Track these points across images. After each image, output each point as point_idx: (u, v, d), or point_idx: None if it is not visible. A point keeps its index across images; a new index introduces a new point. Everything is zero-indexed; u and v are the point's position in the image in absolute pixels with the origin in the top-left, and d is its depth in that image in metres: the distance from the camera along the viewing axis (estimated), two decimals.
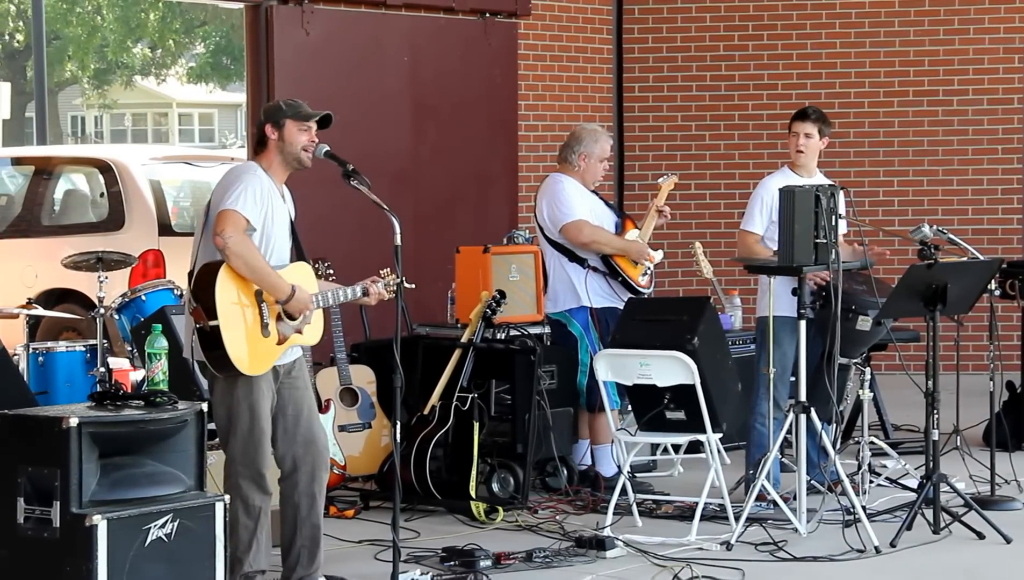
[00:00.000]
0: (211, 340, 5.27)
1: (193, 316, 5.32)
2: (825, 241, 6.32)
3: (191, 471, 5.10)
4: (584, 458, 7.42)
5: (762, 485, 6.41)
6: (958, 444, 7.44)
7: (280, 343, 5.41)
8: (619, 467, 6.73)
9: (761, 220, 6.96)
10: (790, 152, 7.07)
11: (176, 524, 4.94)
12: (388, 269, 5.69)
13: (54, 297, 9.59)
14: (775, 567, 5.99)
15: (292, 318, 5.42)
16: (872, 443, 7.09)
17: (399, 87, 9.62)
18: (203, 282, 5.29)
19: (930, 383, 6.43)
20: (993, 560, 6.13)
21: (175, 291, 7.78)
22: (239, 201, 5.28)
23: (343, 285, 5.66)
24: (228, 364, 5.30)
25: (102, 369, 7.44)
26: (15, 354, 7.42)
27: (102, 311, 7.67)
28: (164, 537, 4.91)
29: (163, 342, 6.61)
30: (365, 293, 5.63)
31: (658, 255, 7.50)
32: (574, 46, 10.75)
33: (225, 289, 5.27)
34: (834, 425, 6.70)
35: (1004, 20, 10.95)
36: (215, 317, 5.24)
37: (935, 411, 6.42)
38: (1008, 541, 6.29)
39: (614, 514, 6.55)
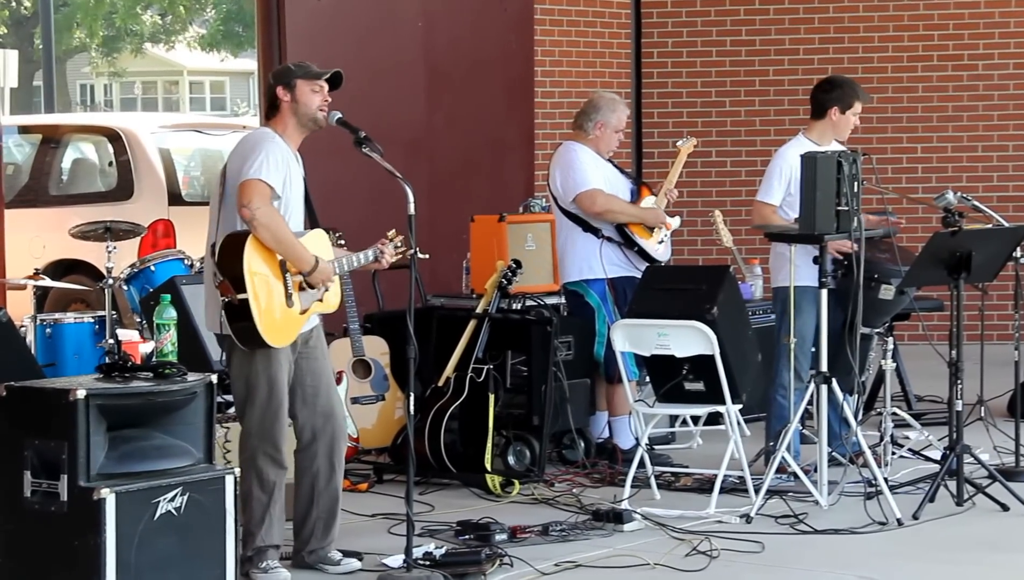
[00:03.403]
0: (239, 314, 5.19)
1: (220, 289, 5.22)
2: (847, 208, 6.23)
3: (200, 444, 5.05)
4: (602, 430, 7.36)
5: (782, 457, 6.35)
6: (982, 415, 7.39)
7: (303, 313, 5.35)
8: (637, 439, 6.67)
9: (779, 191, 6.89)
10: (841, 131, 6.93)
11: (185, 498, 4.89)
12: (394, 231, 5.59)
13: (62, 268, 9.56)
14: (795, 540, 5.95)
15: (312, 288, 5.35)
16: (895, 414, 7.02)
17: (413, 53, 9.55)
18: (229, 254, 5.20)
19: (954, 353, 6.37)
20: (1017, 532, 6.07)
21: (185, 261, 7.73)
22: (262, 169, 5.19)
23: (353, 252, 5.59)
24: (257, 337, 5.22)
25: (111, 341, 7.39)
26: (22, 326, 7.37)
27: (111, 282, 7.61)
28: (173, 511, 4.87)
29: (172, 313, 6.55)
30: (377, 258, 5.54)
31: (675, 221, 7.44)
32: (591, 10, 10.65)
33: (252, 261, 5.21)
34: (856, 396, 6.65)
35: None
36: (244, 290, 5.16)
37: (959, 381, 6.37)
38: None
39: (632, 487, 6.50)
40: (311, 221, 5.53)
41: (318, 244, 5.42)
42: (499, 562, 5.52)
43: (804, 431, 6.89)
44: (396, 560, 5.49)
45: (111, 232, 7.81)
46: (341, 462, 5.54)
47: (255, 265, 5.21)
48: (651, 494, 6.53)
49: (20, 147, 11.22)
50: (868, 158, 6.54)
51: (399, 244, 5.58)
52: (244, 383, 5.37)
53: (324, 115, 5.38)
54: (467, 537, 5.83)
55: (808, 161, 6.31)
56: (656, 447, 7.20)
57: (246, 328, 5.21)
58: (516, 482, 6.65)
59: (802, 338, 6.71)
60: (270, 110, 5.42)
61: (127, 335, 7.78)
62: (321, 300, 5.41)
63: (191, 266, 7.66)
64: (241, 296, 5.16)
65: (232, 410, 6.56)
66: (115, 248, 7.75)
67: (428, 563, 5.45)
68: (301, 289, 5.34)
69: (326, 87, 5.40)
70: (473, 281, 7.55)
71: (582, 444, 7.15)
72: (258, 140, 5.30)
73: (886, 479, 6.34)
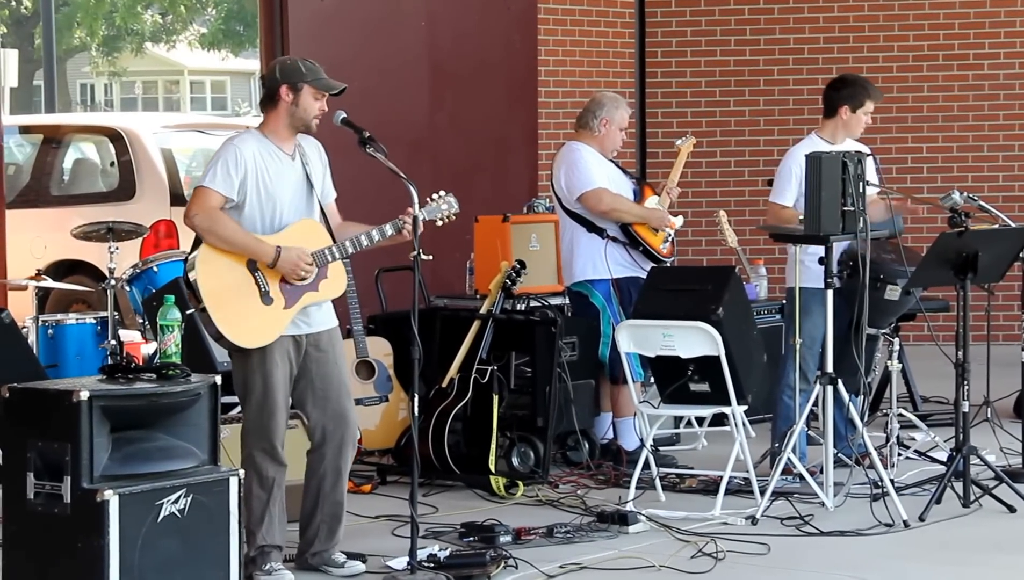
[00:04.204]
0: (207, 321, 5.26)
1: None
2: (853, 209, 6.20)
3: (204, 445, 5.02)
4: (606, 431, 7.33)
5: (788, 458, 6.31)
6: (988, 416, 7.35)
7: (289, 306, 5.30)
8: (642, 440, 6.64)
9: (791, 191, 6.85)
10: (853, 129, 6.91)
11: (189, 499, 4.86)
12: (442, 192, 5.53)
13: (63, 269, 9.50)
14: (801, 542, 5.92)
15: (301, 280, 5.31)
16: (901, 415, 7.00)
17: (416, 52, 9.50)
18: (188, 265, 5.31)
19: (960, 354, 6.34)
20: None
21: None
22: (208, 177, 5.29)
23: (373, 226, 5.48)
24: (228, 342, 5.27)
25: (113, 342, 7.35)
26: (24, 326, 7.33)
27: (113, 282, 7.57)
28: (177, 513, 4.84)
29: (176, 314, 6.53)
30: (399, 230, 5.45)
31: (679, 221, 7.41)
32: (595, 10, 10.62)
33: (207, 268, 5.25)
34: (862, 397, 6.62)
35: None
36: (201, 299, 5.22)
37: (965, 382, 6.34)
38: None
39: (637, 488, 6.47)
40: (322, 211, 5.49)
41: (305, 234, 5.37)
42: (504, 564, 5.49)
43: (810, 432, 6.86)
44: (400, 562, 5.47)
45: (113, 232, 7.77)
46: (347, 468, 5.51)
47: (212, 272, 5.24)
48: (656, 495, 6.50)
49: (21, 147, 11.18)
50: (874, 157, 6.51)
51: (444, 206, 5.48)
52: (241, 381, 5.38)
53: (317, 122, 5.38)
54: (471, 539, 5.81)
55: (813, 162, 6.28)
56: (661, 448, 7.19)
57: (218, 335, 5.27)
58: (520, 483, 6.63)
59: (811, 339, 6.68)
60: (268, 101, 5.38)
61: (129, 336, 7.73)
62: (317, 290, 5.36)
63: None
64: (201, 306, 5.23)
65: (232, 412, 6.56)
66: (117, 248, 7.71)
67: (432, 565, 5.43)
68: (285, 283, 5.32)
69: (327, 95, 5.38)
70: (477, 282, 7.52)
71: (586, 445, 7.12)
72: (221, 147, 5.36)
73: (892, 480, 6.31)
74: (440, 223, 5.56)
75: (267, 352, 5.31)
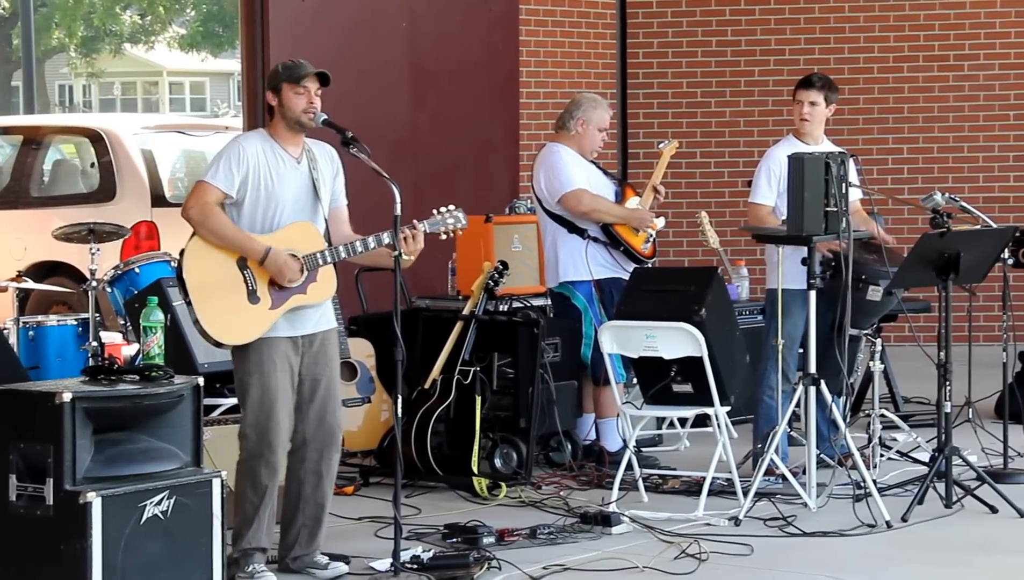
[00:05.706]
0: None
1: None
2: (836, 209, 6.21)
3: (187, 447, 5.03)
4: (589, 432, 7.33)
5: (771, 459, 6.31)
6: (970, 416, 7.37)
7: (275, 307, 5.29)
8: (624, 441, 6.64)
9: (770, 191, 6.87)
10: (794, 120, 6.97)
11: (172, 501, 4.87)
12: (451, 206, 5.56)
13: (44, 270, 9.46)
14: (784, 542, 5.93)
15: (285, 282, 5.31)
16: (883, 416, 7.01)
17: (398, 53, 9.49)
18: (180, 259, 5.34)
19: (942, 354, 6.36)
20: (1006, 534, 6.06)
21: (171, 263, 7.65)
22: (209, 172, 5.33)
23: (368, 234, 5.48)
24: (208, 337, 5.28)
25: (94, 343, 7.32)
26: (5, 328, 7.30)
27: (94, 284, 7.53)
28: (160, 515, 4.84)
29: (159, 315, 6.50)
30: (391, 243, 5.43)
31: (660, 221, 7.41)
32: (576, 11, 10.62)
33: (196, 263, 5.26)
34: (844, 397, 6.62)
35: None
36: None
37: (947, 383, 6.35)
38: (1021, 515, 6.21)
39: (620, 489, 6.47)
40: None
41: (298, 235, 5.36)
42: (487, 565, 5.48)
43: (792, 433, 6.86)
44: (383, 563, 5.46)
45: (95, 234, 7.73)
46: (330, 471, 5.49)
47: (200, 266, 5.25)
48: (639, 496, 6.50)
49: (1, 148, 11.14)
50: (856, 159, 6.53)
51: (446, 220, 5.52)
52: (239, 382, 5.38)
53: (309, 117, 5.38)
54: (454, 540, 5.80)
55: (796, 162, 6.29)
56: (643, 449, 7.18)
57: (201, 329, 5.27)
58: (503, 485, 6.62)
59: (791, 340, 6.70)
60: (268, 109, 5.47)
61: (110, 338, 7.70)
62: (305, 293, 5.35)
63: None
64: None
65: (214, 414, 6.53)
66: (98, 250, 7.67)
67: (416, 566, 5.42)
68: (274, 284, 5.31)
69: (312, 88, 5.38)
70: (459, 282, 7.52)
71: (569, 446, 7.12)
72: (227, 143, 5.40)
73: (875, 481, 6.32)
74: (444, 237, 5.58)
75: (263, 353, 5.30)
